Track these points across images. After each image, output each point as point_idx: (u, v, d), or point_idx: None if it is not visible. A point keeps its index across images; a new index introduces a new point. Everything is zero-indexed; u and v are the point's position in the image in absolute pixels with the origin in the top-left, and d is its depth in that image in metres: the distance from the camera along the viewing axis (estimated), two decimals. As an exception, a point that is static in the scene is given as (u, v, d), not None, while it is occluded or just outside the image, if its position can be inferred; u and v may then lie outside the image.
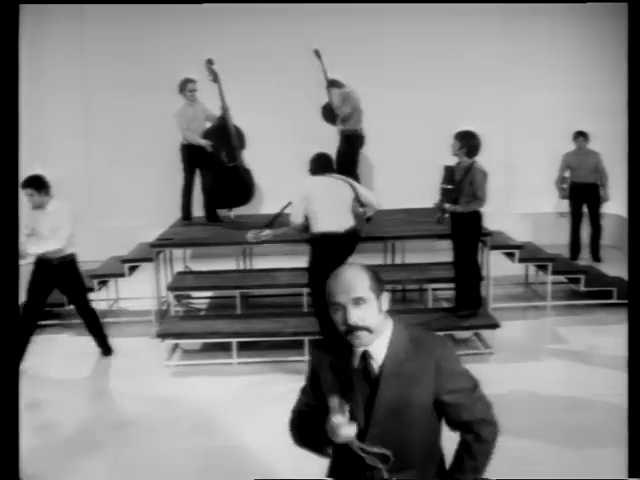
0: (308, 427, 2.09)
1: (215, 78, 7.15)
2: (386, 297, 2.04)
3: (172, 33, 8.56)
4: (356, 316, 1.95)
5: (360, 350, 2.01)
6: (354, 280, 1.97)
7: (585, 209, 8.04)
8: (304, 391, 2.19)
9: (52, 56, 8.68)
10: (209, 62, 7.16)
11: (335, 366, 2.08)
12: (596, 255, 8.04)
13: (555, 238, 8.12)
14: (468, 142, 5.43)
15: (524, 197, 8.14)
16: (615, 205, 8.33)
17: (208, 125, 7.29)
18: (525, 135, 8.64)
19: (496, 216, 7.21)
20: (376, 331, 1.99)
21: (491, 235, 6.43)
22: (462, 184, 5.44)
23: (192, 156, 7.21)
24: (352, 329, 1.96)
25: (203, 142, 7.12)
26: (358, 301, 1.95)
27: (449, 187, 5.49)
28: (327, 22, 8.42)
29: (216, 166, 7.21)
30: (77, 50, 8.79)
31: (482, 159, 5.50)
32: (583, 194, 7.93)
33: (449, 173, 5.57)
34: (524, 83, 8.64)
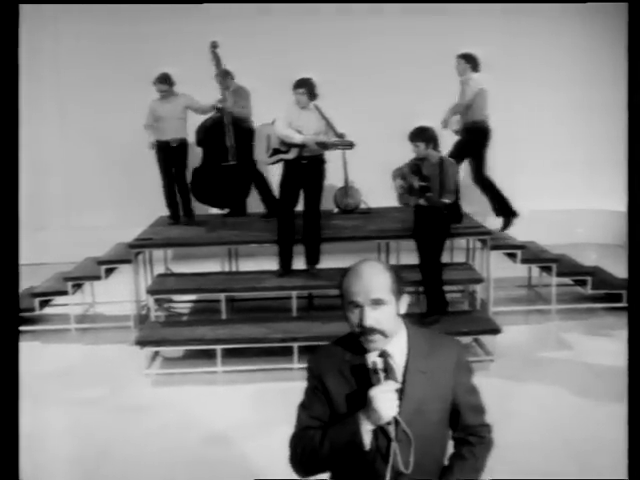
0: (322, 444, 2.01)
1: (218, 63, 7.12)
2: (405, 300, 2.07)
3: (150, 32, 8.58)
4: (373, 318, 1.96)
5: (377, 349, 2.02)
6: (375, 280, 1.98)
7: None
8: (305, 406, 2.12)
9: (26, 54, 8.64)
10: (213, 45, 7.08)
11: (344, 369, 2.07)
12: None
13: (560, 237, 8.16)
14: (430, 137, 5.58)
15: (526, 194, 8.17)
16: (621, 203, 8.39)
17: (198, 117, 7.25)
18: (527, 132, 8.72)
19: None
20: (390, 335, 2.02)
21: (491, 234, 6.46)
22: (438, 178, 5.55)
23: (163, 154, 7.23)
24: (367, 331, 1.97)
25: (151, 139, 7.20)
26: (377, 302, 1.96)
27: (424, 184, 5.59)
28: (322, 21, 8.51)
29: (210, 164, 7.25)
30: (52, 48, 8.77)
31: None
32: None
33: (417, 169, 5.67)
34: (525, 81, 8.74)
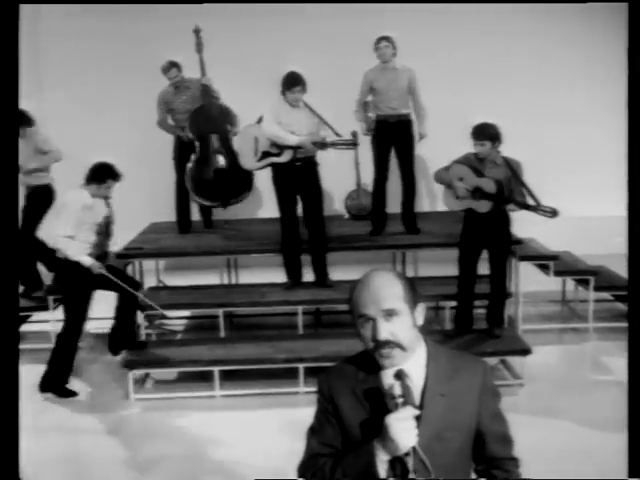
0: (333, 474, 2.02)
1: (199, 49, 7.15)
2: (422, 309, 2.06)
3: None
4: (387, 331, 1.96)
5: (392, 369, 2.00)
6: (385, 289, 1.98)
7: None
8: (315, 431, 2.13)
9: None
10: (196, 31, 7.16)
11: (357, 391, 2.06)
12: (411, 225, 6.97)
13: (598, 247, 8.11)
14: (496, 135, 5.45)
15: (560, 199, 8.12)
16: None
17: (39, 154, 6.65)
18: (556, 132, 8.81)
19: (527, 222, 7.22)
20: (409, 349, 2.01)
21: (521, 243, 6.43)
22: (508, 181, 5.47)
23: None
24: (382, 346, 1.97)
25: None
26: (389, 313, 1.96)
27: (500, 187, 5.44)
28: (322, 20, 8.67)
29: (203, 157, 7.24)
30: (32, 51, 8.86)
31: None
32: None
33: (479, 170, 5.50)
34: (545, 82, 9.01)
